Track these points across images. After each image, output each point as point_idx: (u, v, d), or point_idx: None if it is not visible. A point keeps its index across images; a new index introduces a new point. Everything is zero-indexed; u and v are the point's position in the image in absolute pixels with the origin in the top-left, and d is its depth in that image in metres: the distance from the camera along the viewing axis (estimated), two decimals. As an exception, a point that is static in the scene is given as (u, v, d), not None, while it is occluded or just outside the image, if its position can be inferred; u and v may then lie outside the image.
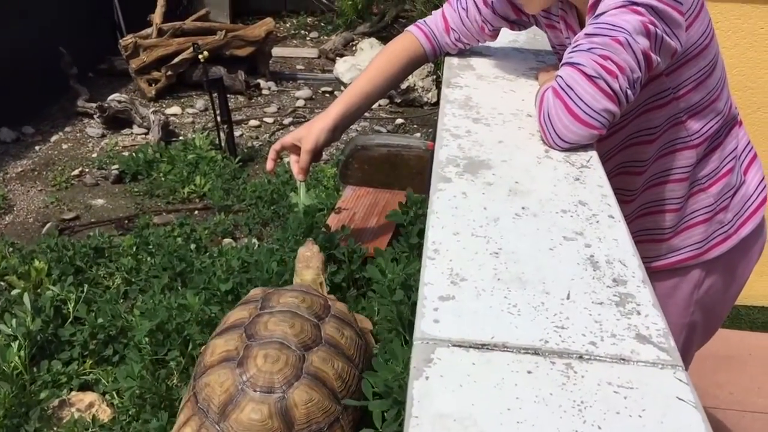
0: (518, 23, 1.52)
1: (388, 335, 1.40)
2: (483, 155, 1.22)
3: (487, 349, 0.77)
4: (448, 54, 1.63)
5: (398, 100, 4.16)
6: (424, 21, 1.58)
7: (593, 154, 1.21)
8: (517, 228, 1.00)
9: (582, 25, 1.31)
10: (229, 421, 1.24)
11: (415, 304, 1.31)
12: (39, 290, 2.06)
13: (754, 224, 1.45)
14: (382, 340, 1.45)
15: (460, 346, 0.78)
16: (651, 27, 1.11)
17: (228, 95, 4.13)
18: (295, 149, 1.53)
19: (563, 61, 1.16)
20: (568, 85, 1.12)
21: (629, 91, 1.11)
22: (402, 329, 1.31)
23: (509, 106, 1.42)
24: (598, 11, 1.15)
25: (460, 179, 1.14)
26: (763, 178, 1.49)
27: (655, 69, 1.17)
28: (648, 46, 1.12)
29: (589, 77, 1.10)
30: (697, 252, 1.44)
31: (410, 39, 1.55)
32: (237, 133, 3.51)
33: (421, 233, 1.85)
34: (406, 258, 1.50)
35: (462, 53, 1.65)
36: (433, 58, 1.62)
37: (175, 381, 1.63)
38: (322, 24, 5.96)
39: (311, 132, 1.49)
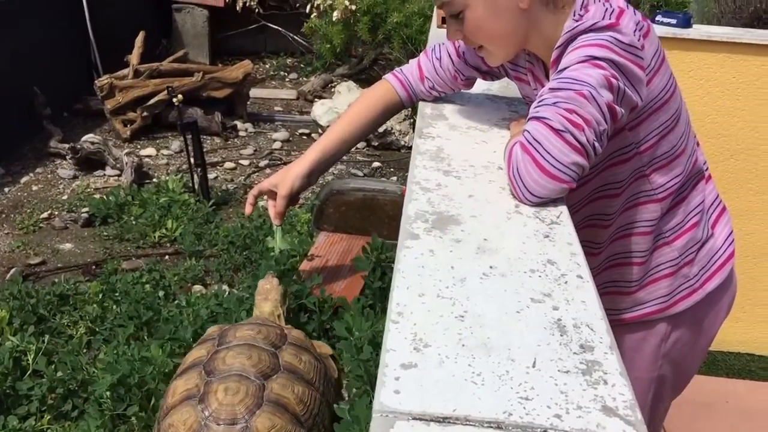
0: (489, 74, 1.53)
1: (356, 392, 1.36)
2: (452, 210, 1.20)
3: (449, 422, 0.74)
4: (424, 100, 1.63)
5: (375, 143, 4.17)
6: (401, 69, 1.60)
7: (563, 209, 1.20)
8: (484, 289, 0.98)
9: (549, 78, 1.31)
10: None
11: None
12: (-1, 339, 2.00)
13: (720, 279, 1.44)
14: (351, 396, 1.42)
15: (420, 419, 0.74)
16: (613, 80, 1.12)
17: (204, 136, 4.11)
18: (272, 194, 1.58)
19: (529, 116, 1.15)
20: (536, 140, 1.11)
21: (596, 144, 1.11)
22: (370, 387, 1.27)
23: (481, 158, 1.41)
24: (560, 66, 1.16)
25: (428, 236, 1.12)
26: (731, 232, 1.49)
27: (619, 121, 1.17)
28: (612, 98, 1.12)
29: (556, 131, 1.09)
30: (663, 306, 1.44)
31: (386, 87, 1.58)
32: (212, 176, 3.48)
33: (384, 277, 1.83)
34: (373, 309, 1.47)
35: (436, 101, 1.65)
36: (409, 104, 1.64)
37: (135, 439, 1.57)
38: (302, 65, 6.00)
39: (287, 178, 1.54)
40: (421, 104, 1.67)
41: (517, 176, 1.15)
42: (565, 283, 1.01)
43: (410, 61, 1.63)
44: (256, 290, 1.70)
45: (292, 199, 1.58)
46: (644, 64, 1.18)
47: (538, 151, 1.11)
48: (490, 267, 1.03)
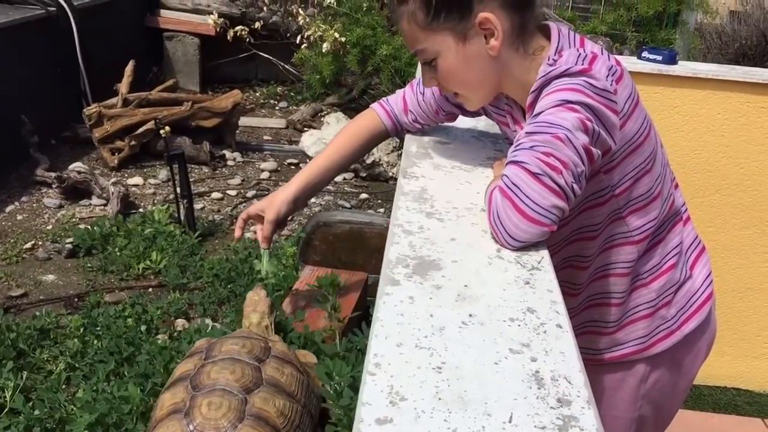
0: (470, 112, 1.56)
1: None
2: (434, 254, 1.19)
3: (424, 482, 0.73)
4: (409, 131, 1.66)
5: (363, 174, 4.17)
6: (387, 99, 1.63)
7: (545, 254, 1.20)
8: (463, 338, 0.97)
9: (526, 121, 1.32)
10: None
11: (363, 407, 1.27)
12: (-24, 375, 1.96)
13: (698, 320, 1.45)
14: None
15: (394, 479, 0.73)
16: (588, 123, 1.13)
17: (192, 166, 4.11)
18: (260, 219, 1.62)
19: (507, 160, 1.16)
20: (514, 184, 1.12)
21: (575, 186, 1.12)
22: (349, 433, 1.25)
23: (464, 199, 1.41)
24: (535, 111, 1.17)
25: (408, 281, 1.11)
26: (710, 273, 1.50)
27: (595, 162, 1.18)
28: (587, 141, 1.13)
29: (534, 175, 1.10)
30: (641, 347, 1.45)
31: (372, 116, 1.61)
32: (198, 206, 3.47)
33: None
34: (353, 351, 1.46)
35: (422, 139, 1.66)
36: (395, 134, 1.67)
37: (111, 481, 1.55)
38: (292, 93, 6.03)
39: (273, 203, 1.59)
40: (406, 142, 1.68)
41: (497, 221, 1.15)
42: (545, 332, 1.00)
43: (397, 91, 1.65)
44: (244, 302, 1.78)
45: (279, 223, 1.63)
46: (617, 108, 1.20)
47: (517, 195, 1.11)
48: (470, 315, 1.02)
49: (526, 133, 1.14)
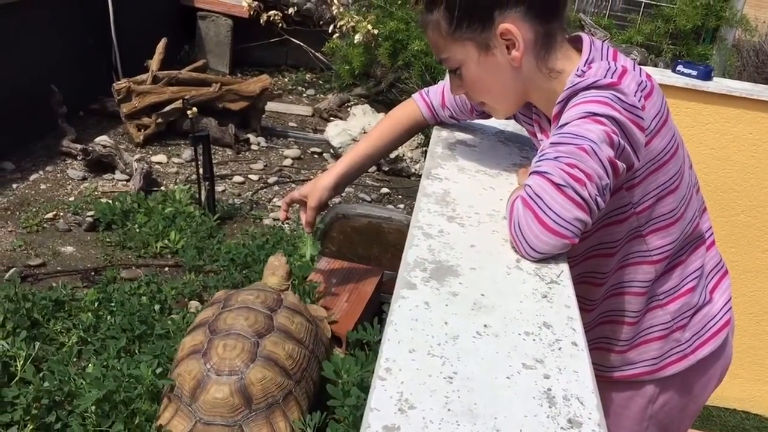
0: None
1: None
2: (452, 260, 1.18)
3: (427, 494, 0.72)
4: (445, 124, 1.69)
5: (386, 168, 4.16)
6: (428, 90, 1.65)
7: (564, 268, 1.18)
8: (476, 349, 0.96)
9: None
10: (198, 402, 1.47)
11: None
12: (-10, 341, 1.98)
13: (714, 346, 1.42)
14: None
15: (398, 489, 0.73)
16: (614, 136, 1.11)
17: (216, 148, 4.12)
18: (303, 203, 1.68)
19: (531, 170, 1.14)
20: (537, 195, 1.10)
21: (599, 199, 1.10)
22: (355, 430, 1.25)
23: (486, 205, 1.39)
24: (561, 122, 1.15)
25: (425, 286, 1.10)
26: (729, 299, 1.47)
27: (620, 176, 1.16)
28: (612, 154, 1.11)
29: (558, 186, 1.08)
30: (652, 368, 1.43)
31: (413, 107, 1.65)
32: (220, 188, 3.48)
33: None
34: (366, 347, 1.46)
35: (447, 141, 1.66)
36: (434, 124, 1.69)
37: (116, 457, 1.56)
38: (320, 82, 6.02)
39: (315, 189, 1.65)
40: (432, 142, 1.67)
41: (518, 231, 1.14)
42: (559, 349, 0.99)
43: (438, 83, 1.67)
44: (265, 265, 1.93)
45: (321, 208, 1.70)
46: (644, 125, 1.18)
47: (539, 206, 1.09)
48: (485, 326, 1.01)
49: (551, 143, 1.12)
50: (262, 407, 1.47)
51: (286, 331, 1.59)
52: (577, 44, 1.28)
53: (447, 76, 1.58)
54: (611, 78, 1.15)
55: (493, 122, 1.80)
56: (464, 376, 0.90)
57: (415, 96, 1.65)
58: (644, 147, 1.20)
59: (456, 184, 1.48)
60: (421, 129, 1.73)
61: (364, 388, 1.27)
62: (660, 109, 1.25)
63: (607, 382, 1.46)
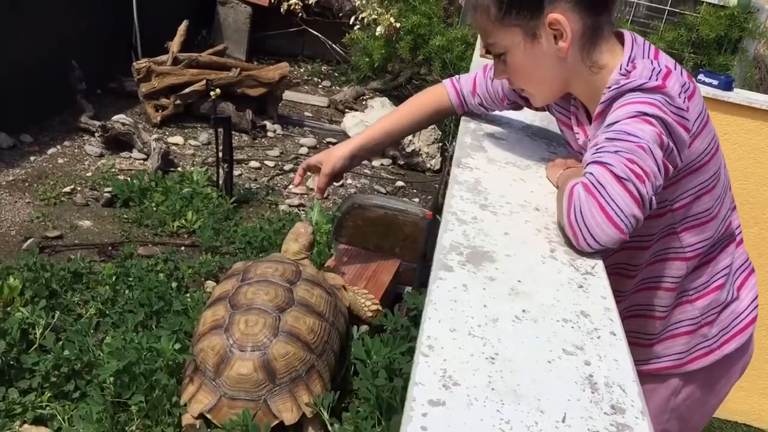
0: (534, 107, 1.56)
1: (360, 412, 1.35)
2: (488, 246, 1.19)
3: (474, 468, 0.73)
4: (473, 113, 1.69)
5: (401, 162, 4.16)
6: (458, 78, 1.66)
7: (599, 261, 1.18)
8: (516, 333, 0.96)
9: (590, 123, 1.34)
10: (222, 378, 1.48)
11: (396, 388, 1.27)
12: (9, 309, 1.99)
13: (739, 342, 1.45)
14: (353, 417, 1.40)
15: (445, 461, 0.73)
16: (663, 138, 1.12)
17: (233, 132, 4.12)
18: (318, 170, 1.71)
19: (590, 160, 1.13)
20: (600, 183, 1.08)
21: (653, 198, 1.10)
22: (380, 413, 1.26)
23: (518, 196, 1.40)
24: (609, 120, 1.15)
25: (462, 269, 1.10)
26: (756, 297, 1.49)
27: (667, 177, 1.17)
28: (662, 155, 1.12)
29: (619, 179, 1.07)
30: (678, 362, 1.45)
31: (441, 92, 1.65)
32: (236, 173, 3.48)
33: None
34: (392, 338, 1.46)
35: (475, 133, 1.66)
36: (460, 112, 1.70)
37: (134, 428, 1.56)
38: (336, 74, 6.02)
39: (330, 157, 1.68)
40: (460, 133, 1.68)
41: (579, 219, 1.10)
42: (598, 338, 0.99)
43: (470, 72, 1.69)
44: (290, 229, 1.92)
45: (334, 177, 1.70)
46: (689, 126, 1.19)
47: (602, 195, 1.08)
48: (523, 311, 1.02)
49: (607, 138, 1.12)
50: (285, 381, 1.47)
51: (306, 304, 1.59)
52: (619, 39, 1.29)
53: (473, 64, 1.60)
54: (657, 80, 1.15)
55: (520, 116, 1.81)
56: (506, 357, 0.91)
57: (445, 82, 1.66)
58: (687, 148, 1.20)
59: (486, 174, 1.49)
60: (446, 116, 1.76)
61: (392, 370, 1.27)
62: (701, 110, 1.26)
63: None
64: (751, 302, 1.47)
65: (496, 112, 1.74)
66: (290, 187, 3.65)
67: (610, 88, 1.20)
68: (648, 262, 1.38)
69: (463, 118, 1.74)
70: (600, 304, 1.09)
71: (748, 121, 3.20)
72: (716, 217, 1.35)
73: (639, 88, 1.15)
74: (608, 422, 0.82)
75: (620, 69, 1.22)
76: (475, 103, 1.63)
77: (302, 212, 3.27)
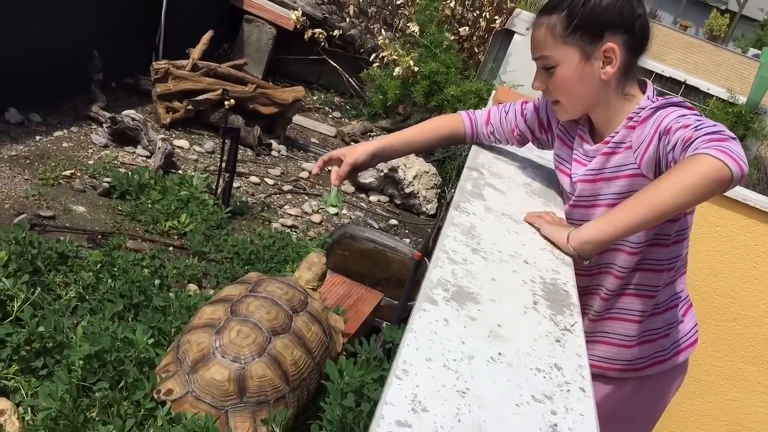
0: (539, 140, 1.74)
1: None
2: (473, 287, 1.21)
3: (430, 492, 0.74)
4: (482, 144, 1.84)
5: (398, 202, 4.20)
6: (474, 111, 1.82)
7: (578, 320, 1.21)
8: (489, 373, 0.98)
9: (594, 142, 1.53)
10: (196, 375, 1.49)
11: (361, 414, 1.27)
12: (-10, 278, 1.98)
13: (684, 356, 1.65)
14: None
15: (404, 480, 0.74)
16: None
17: (238, 146, 4.15)
18: (338, 163, 1.74)
19: (700, 139, 1.22)
20: (732, 138, 1.22)
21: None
22: (341, 435, 1.26)
23: (509, 246, 1.43)
24: (662, 127, 1.30)
25: (446, 305, 1.12)
26: (695, 325, 1.69)
27: None
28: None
29: (732, 138, 1.22)
30: (641, 365, 1.62)
31: (457, 119, 1.78)
32: (235, 185, 3.51)
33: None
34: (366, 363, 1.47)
35: (477, 181, 1.70)
36: (470, 141, 1.83)
37: (94, 414, 1.55)
38: (348, 107, 6.10)
39: (355, 150, 1.72)
40: (462, 179, 1.71)
41: (734, 149, 1.21)
42: (568, 391, 1.01)
43: (482, 108, 1.85)
44: (304, 258, 1.95)
45: (354, 169, 1.74)
46: None
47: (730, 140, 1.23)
48: (499, 353, 1.04)
49: (684, 125, 1.26)
50: (252, 402, 1.47)
51: (300, 336, 1.60)
52: (641, 84, 1.49)
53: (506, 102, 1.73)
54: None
55: (522, 173, 1.85)
56: (476, 394, 0.92)
57: (461, 112, 1.80)
58: None
59: (482, 222, 1.52)
60: (456, 142, 1.86)
61: (361, 394, 1.29)
62: None
63: (598, 375, 1.62)
64: (692, 328, 1.68)
65: (504, 165, 1.80)
66: (285, 207, 3.67)
67: (643, 109, 1.40)
68: (634, 268, 1.52)
69: (467, 165, 1.78)
70: (574, 360, 1.11)
71: (741, 217, 3.25)
72: (687, 237, 1.55)
73: (669, 104, 1.36)
74: (566, 471, 0.84)
75: (648, 98, 1.43)
76: (487, 132, 1.77)
77: (294, 233, 3.29)
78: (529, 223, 1.56)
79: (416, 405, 0.85)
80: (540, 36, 1.45)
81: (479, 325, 1.09)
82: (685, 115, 1.30)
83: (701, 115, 1.32)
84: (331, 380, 1.29)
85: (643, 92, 1.46)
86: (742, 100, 4.17)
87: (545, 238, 1.51)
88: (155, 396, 1.54)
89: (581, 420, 0.94)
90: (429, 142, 1.81)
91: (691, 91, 4.29)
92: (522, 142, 1.78)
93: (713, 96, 4.34)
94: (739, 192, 3.24)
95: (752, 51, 13.51)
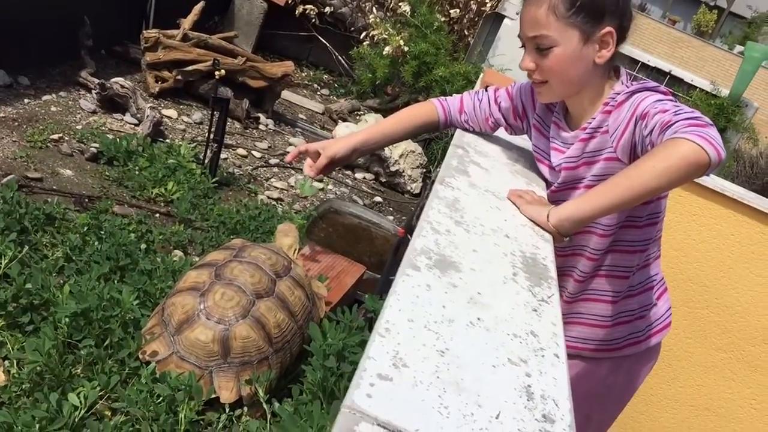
0: (512, 127, 1.75)
1: (306, 398, 1.38)
2: (455, 257, 1.24)
3: (409, 439, 0.78)
4: (455, 126, 1.83)
5: (383, 179, 4.23)
6: (445, 99, 1.81)
7: (555, 293, 1.25)
8: (468, 335, 1.02)
9: (571, 128, 1.54)
10: (181, 336, 1.51)
11: (342, 376, 1.31)
12: (-22, 235, 2.00)
13: (658, 339, 1.68)
14: (298, 403, 1.44)
15: (384, 427, 0.78)
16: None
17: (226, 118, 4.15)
18: (316, 155, 1.71)
19: (679, 123, 1.24)
20: (709, 124, 1.24)
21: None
22: (322, 396, 1.30)
23: (492, 221, 1.46)
24: (640, 111, 1.31)
25: (428, 272, 1.16)
26: (669, 308, 1.72)
27: None
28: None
29: (709, 125, 1.23)
30: (616, 346, 1.64)
31: (430, 107, 1.78)
32: (222, 156, 3.52)
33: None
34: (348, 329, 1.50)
35: (462, 159, 1.73)
36: (444, 128, 1.84)
37: (79, 371, 1.58)
38: (336, 85, 6.09)
39: (335, 144, 1.71)
40: (448, 156, 1.74)
41: (711, 136, 1.22)
42: (542, 356, 1.05)
43: (453, 95, 1.83)
44: (276, 230, 1.99)
45: (332, 163, 1.71)
46: None
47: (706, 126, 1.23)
48: (478, 318, 1.07)
49: (663, 110, 1.27)
50: (236, 363, 1.50)
51: (283, 300, 1.62)
52: (616, 71, 1.50)
53: (477, 86, 1.73)
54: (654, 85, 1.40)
55: (506, 154, 1.89)
56: (455, 354, 0.96)
57: (433, 100, 1.80)
58: None
59: (466, 196, 1.55)
60: (431, 130, 1.86)
61: (343, 357, 1.32)
62: None
63: (571, 352, 1.64)
64: (666, 311, 1.70)
65: (488, 145, 1.83)
66: (272, 180, 3.69)
67: (618, 94, 1.42)
68: (607, 250, 1.55)
69: (453, 143, 1.81)
70: (549, 329, 1.15)
71: (718, 207, 3.30)
72: (661, 219, 1.55)
73: (644, 88, 1.37)
74: (537, 427, 0.88)
75: (623, 83, 1.45)
76: (462, 120, 1.78)
77: (280, 206, 3.31)
78: (511, 201, 1.59)
79: (397, 361, 0.89)
80: (539, 15, 1.43)
81: (460, 292, 1.12)
82: (662, 100, 1.31)
83: (677, 101, 1.34)
84: (315, 340, 1.33)
85: (618, 78, 1.48)
86: (725, 92, 4.22)
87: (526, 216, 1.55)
88: (140, 357, 1.57)
89: (554, 383, 0.99)
90: (406, 132, 1.81)
91: (675, 82, 4.34)
92: (495, 129, 1.80)
93: (696, 87, 4.39)
94: (717, 182, 3.30)
95: (738, 48, 13.57)
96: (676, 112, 1.26)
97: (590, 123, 1.46)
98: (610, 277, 1.59)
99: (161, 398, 1.42)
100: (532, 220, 1.54)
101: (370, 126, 1.81)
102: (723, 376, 3.42)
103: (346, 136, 1.75)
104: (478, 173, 1.71)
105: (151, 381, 1.50)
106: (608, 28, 1.39)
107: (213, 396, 1.50)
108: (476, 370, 0.94)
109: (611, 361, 1.67)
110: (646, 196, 1.30)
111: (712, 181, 3.26)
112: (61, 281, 1.94)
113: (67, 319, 1.64)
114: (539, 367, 1.02)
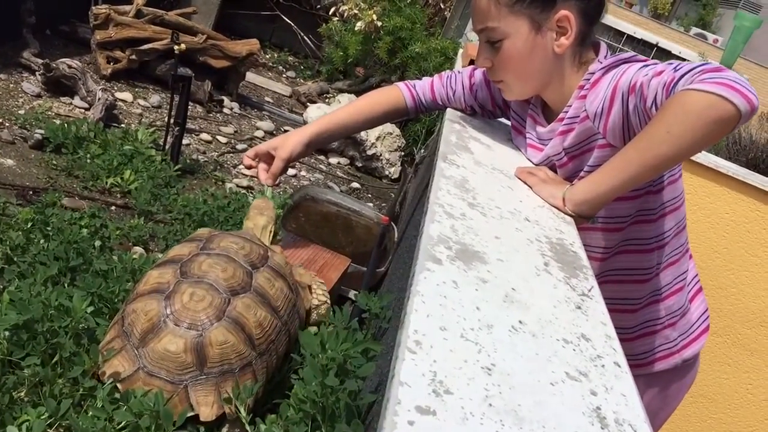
0: (492, 113, 1.65)
1: (290, 417, 1.16)
2: (478, 246, 1.06)
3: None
4: (456, 117, 1.65)
5: (359, 164, 4.00)
6: (414, 84, 1.66)
7: (594, 284, 1.08)
8: (513, 344, 0.82)
9: (549, 121, 1.40)
10: (146, 348, 1.29)
11: (350, 393, 1.09)
12: None
13: (695, 349, 1.49)
14: (289, 422, 1.21)
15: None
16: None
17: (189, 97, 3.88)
18: (268, 158, 1.57)
19: (687, 75, 1.06)
20: (729, 77, 1.04)
21: None
22: (321, 419, 1.08)
23: (507, 203, 1.30)
24: (626, 85, 1.15)
25: (451, 265, 0.96)
26: (706, 310, 1.53)
27: None
28: None
29: (724, 68, 1.07)
30: (643, 361, 1.47)
31: (396, 93, 1.62)
32: (185, 142, 3.25)
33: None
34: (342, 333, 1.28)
35: (460, 134, 1.58)
36: (413, 115, 1.70)
37: (22, 395, 1.33)
38: (302, 67, 5.84)
39: (287, 143, 1.55)
40: (445, 131, 1.60)
41: (739, 83, 1.03)
42: (602, 366, 0.86)
43: (423, 78, 1.68)
44: (250, 206, 1.74)
45: (290, 161, 1.60)
46: None
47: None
48: (520, 322, 0.88)
49: (659, 72, 1.10)
50: (214, 373, 1.28)
51: (263, 294, 1.40)
52: (595, 49, 1.34)
53: (458, 66, 1.61)
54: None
55: (505, 130, 1.74)
56: (504, 371, 0.76)
57: (400, 85, 1.65)
58: None
59: (474, 175, 1.39)
60: (398, 117, 1.71)
61: (346, 371, 1.10)
62: None
63: None
64: (702, 314, 1.52)
65: (484, 120, 1.70)
66: (241, 166, 3.44)
67: (592, 74, 1.26)
68: (617, 249, 1.38)
69: (448, 119, 1.65)
70: (600, 330, 0.97)
71: (711, 184, 3.19)
72: (681, 205, 1.38)
73: (620, 61, 1.23)
74: (624, 467, 0.67)
75: (598, 61, 1.28)
76: (434, 105, 1.66)
77: (251, 195, 3.06)
78: (522, 180, 1.40)
79: (437, 386, 0.68)
80: (482, 4, 1.28)
81: (492, 288, 0.93)
82: (648, 65, 1.16)
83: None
84: (308, 351, 1.10)
85: (597, 55, 1.31)
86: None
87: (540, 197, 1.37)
88: (100, 376, 1.32)
89: (624, 402, 0.79)
90: (366, 121, 1.64)
91: (662, 54, 4.20)
92: (473, 114, 1.67)
93: (685, 59, 4.28)
94: (711, 159, 3.17)
95: (694, 30, 13.75)
96: (675, 68, 1.08)
97: (566, 113, 1.31)
98: (624, 282, 1.41)
99: (122, 427, 1.18)
100: (547, 202, 1.35)
101: (324, 115, 1.64)
102: (718, 361, 3.32)
103: (298, 130, 1.59)
104: (481, 149, 1.54)
105: (109, 404, 1.26)
106: (563, 12, 1.23)
107: (192, 414, 1.26)
108: (533, 391, 0.73)
109: (639, 379, 1.48)
110: (664, 168, 1.16)
111: (705, 157, 3.14)
112: (1, 286, 1.68)
113: (6, 333, 1.39)
114: (602, 381, 0.82)
